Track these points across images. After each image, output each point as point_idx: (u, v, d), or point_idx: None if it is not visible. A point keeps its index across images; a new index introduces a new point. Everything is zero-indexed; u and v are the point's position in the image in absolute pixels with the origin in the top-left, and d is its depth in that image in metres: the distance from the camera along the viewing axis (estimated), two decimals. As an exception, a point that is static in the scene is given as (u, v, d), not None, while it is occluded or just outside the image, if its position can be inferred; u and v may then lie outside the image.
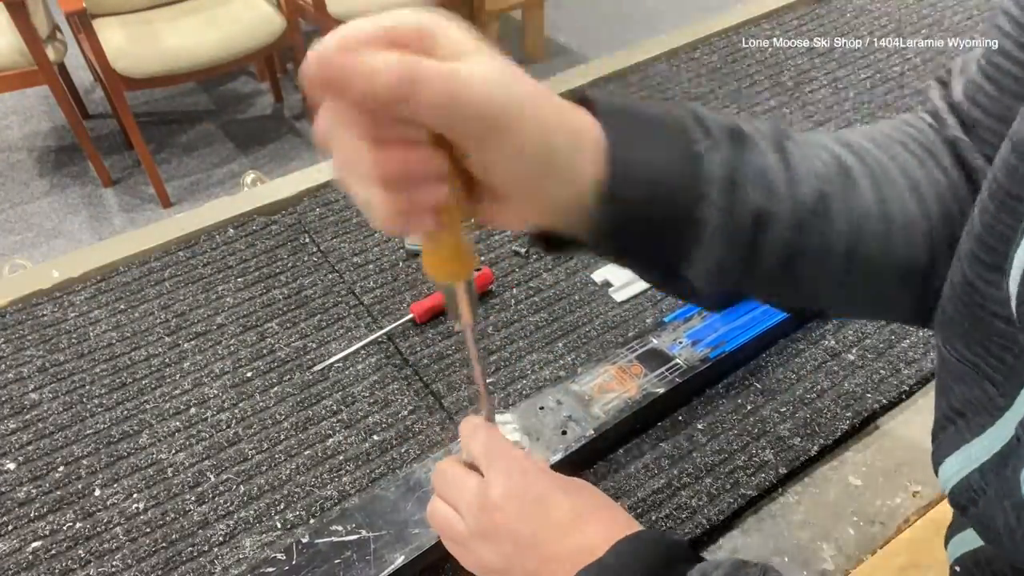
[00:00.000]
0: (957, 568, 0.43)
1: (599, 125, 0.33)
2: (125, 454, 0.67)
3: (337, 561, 0.55)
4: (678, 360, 0.68)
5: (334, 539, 0.56)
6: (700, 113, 0.35)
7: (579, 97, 0.34)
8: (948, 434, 0.36)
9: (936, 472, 0.38)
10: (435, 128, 0.30)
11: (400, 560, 0.54)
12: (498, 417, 0.50)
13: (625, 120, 0.34)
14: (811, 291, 0.40)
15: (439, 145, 0.31)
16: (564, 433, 0.62)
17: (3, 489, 0.64)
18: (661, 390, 0.65)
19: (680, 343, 0.69)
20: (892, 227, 0.38)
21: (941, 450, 0.37)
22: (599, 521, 0.43)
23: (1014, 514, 0.30)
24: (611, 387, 0.66)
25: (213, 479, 0.65)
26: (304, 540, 0.56)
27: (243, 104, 2.77)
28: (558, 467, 0.60)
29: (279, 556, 0.55)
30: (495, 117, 0.29)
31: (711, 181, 0.34)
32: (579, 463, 0.63)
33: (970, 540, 0.41)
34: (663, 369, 0.67)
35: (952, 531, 0.44)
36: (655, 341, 0.70)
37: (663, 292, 0.38)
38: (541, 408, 0.64)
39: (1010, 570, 0.38)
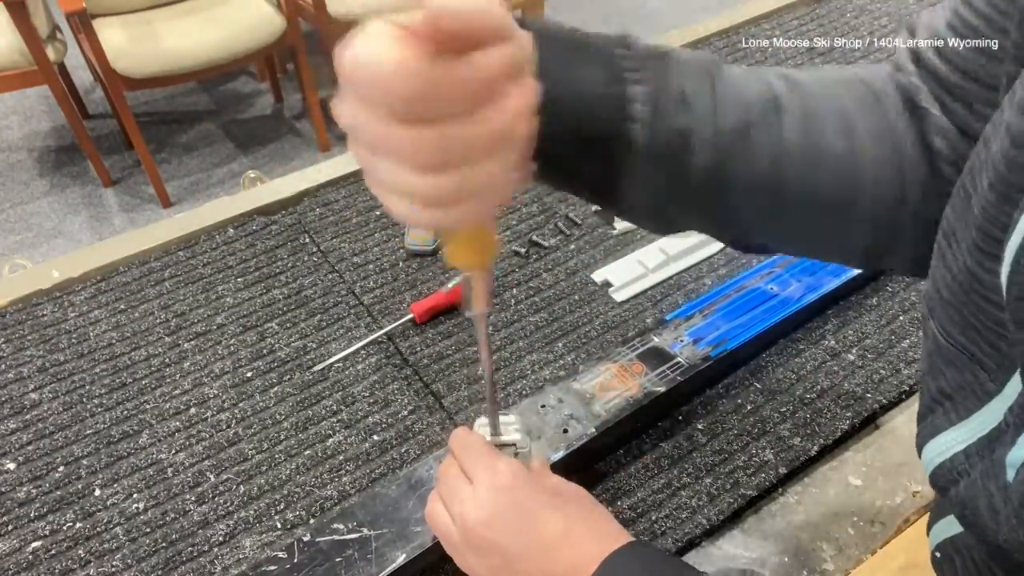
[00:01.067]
0: (937, 554, 0.44)
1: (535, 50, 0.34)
2: (125, 454, 0.67)
3: (338, 559, 0.55)
4: (679, 358, 0.67)
5: (335, 537, 0.56)
6: (630, 40, 0.37)
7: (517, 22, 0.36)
8: (935, 416, 0.37)
9: (919, 453, 0.39)
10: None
11: (401, 558, 0.54)
12: (502, 417, 0.50)
13: (557, 45, 0.36)
14: (742, 222, 0.41)
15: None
16: (565, 431, 0.62)
17: (3, 489, 0.64)
18: (662, 389, 0.65)
19: (681, 341, 0.69)
20: (818, 165, 0.39)
21: (926, 431, 0.38)
22: (589, 536, 0.43)
23: (999, 496, 0.31)
24: (612, 385, 0.66)
25: (213, 479, 0.65)
26: (305, 538, 0.56)
27: (243, 104, 2.77)
28: (560, 465, 0.60)
29: (280, 555, 0.55)
30: None
31: (635, 100, 0.36)
32: (580, 462, 0.63)
33: (951, 526, 0.42)
34: (664, 367, 0.67)
35: (934, 518, 0.45)
36: (656, 339, 0.70)
37: (609, 213, 0.40)
38: (543, 406, 0.64)
39: (986, 556, 0.39)
